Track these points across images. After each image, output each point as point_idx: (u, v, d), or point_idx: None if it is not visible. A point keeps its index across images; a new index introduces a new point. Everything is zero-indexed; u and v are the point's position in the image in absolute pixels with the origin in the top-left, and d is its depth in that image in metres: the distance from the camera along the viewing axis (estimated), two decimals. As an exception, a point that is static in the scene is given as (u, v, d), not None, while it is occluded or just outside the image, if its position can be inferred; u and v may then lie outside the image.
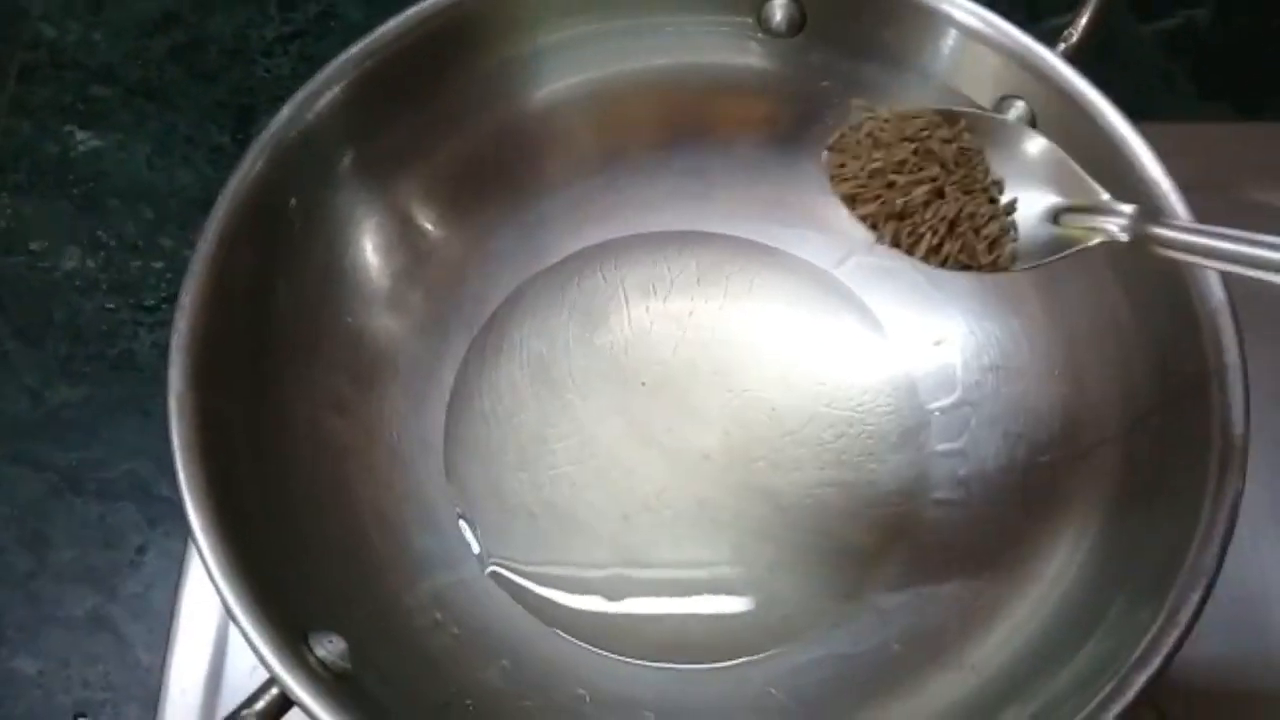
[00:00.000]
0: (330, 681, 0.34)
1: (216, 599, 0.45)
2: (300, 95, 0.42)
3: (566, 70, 0.48)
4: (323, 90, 0.42)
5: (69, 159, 0.62)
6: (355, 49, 0.43)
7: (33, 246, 0.59)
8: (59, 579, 0.52)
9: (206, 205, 0.59)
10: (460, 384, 0.48)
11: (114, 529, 0.53)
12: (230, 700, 0.45)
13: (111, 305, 0.58)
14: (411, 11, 0.43)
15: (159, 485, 0.54)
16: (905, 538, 0.45)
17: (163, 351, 0.55)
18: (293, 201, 0.42)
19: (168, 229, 0.60)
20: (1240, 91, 0.61)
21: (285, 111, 0.42)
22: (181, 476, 0.35)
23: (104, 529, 0.53)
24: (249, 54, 0.65)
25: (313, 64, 0.63)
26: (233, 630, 0.46)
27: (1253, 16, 0.63)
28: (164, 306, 0.58)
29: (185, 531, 0.50)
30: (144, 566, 0.52)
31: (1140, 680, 0.35)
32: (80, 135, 0.62)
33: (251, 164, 0.41)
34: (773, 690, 0.43)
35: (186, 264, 0.57)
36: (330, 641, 0.36)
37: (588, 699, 0.42)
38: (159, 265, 0.59)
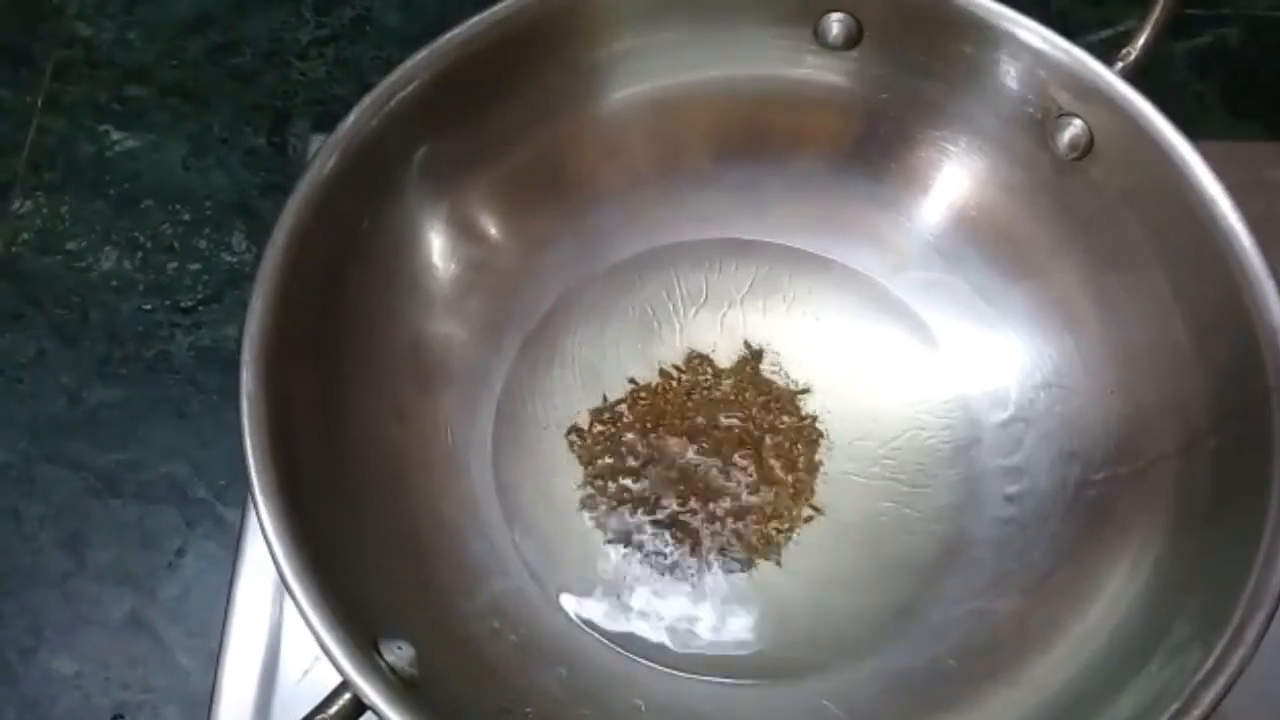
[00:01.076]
0: (400, 687, 0.34)
1: (268, 602, 0.46)
2: (372, 95, 0.42)
3: (627, 80, 0.48)
4: (395, 91, 0.42)
5: (104, 158, 0.61)
6: (427, 51, 0.43)
7: (69, 246, 0.59)
8: (97, 580, 0.51)
9: (242, 208, 0.60)
10: (511, 390, 0.48)
11: (152, 531, 0.53)
12: (284, 704, 0.45)
13: (148, 306, 0.57)
14: (485, 14, 0.43)
15: (196, 487, 0.53)
16: (959, 553, 0.45)
17: (200, 354, 0.56)
18: (361, 200, 0.42)
19: (204, 231, 0.59)
20: (1271, 111, 0.61)
21: (355, 112, 0.41)
22: (254, 479, 0.35)
23: (142, 530, 0.53)
24: (284, 57, 0.64)
25: (347, 68, 0.64)
26: (285, 634, 0.46)
27: None
28: (200, 309, 0.57)
29: (227, 536, 0.51)
30: (183, 569, 0.52)
31: (1207, 698, 0.35)
32: (116, 135, 0.62)
33: (323, 164, 0.40)
34: (828, 704, 0.42)
35: (223, 267, 0.58)
36: (400, 648, 0.36)
37: (644, 709, 0.42)
38: (195, 267, 0.58)
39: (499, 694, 0.40)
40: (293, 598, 0.34)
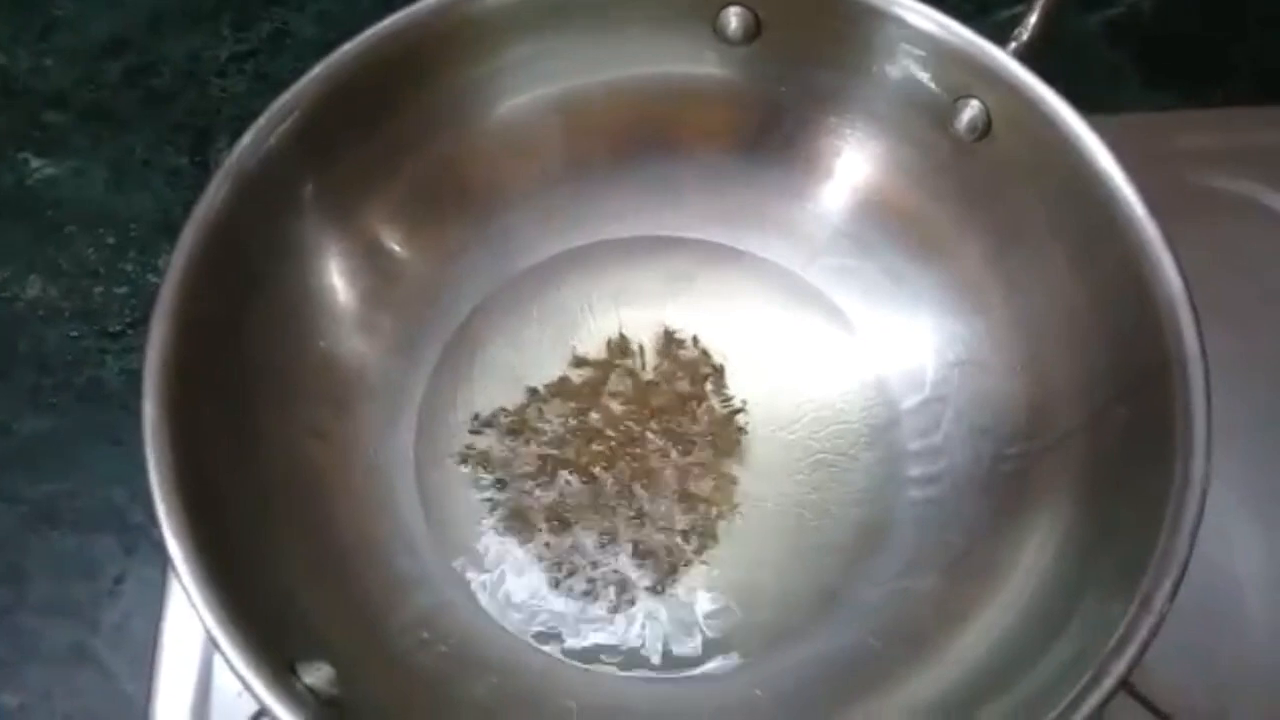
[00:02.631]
0: (319, 708, 0.34)
1: (199, 625, 0.46)
2: (260, 122, 0.42)
3: (529, 84, 0.48)
4: (283, 116, 0.42)
5: (25, 186, 0.61)
6: (313, 73, 0.43)
7: (-7, 278, 0.59)
8: (38, 612, 0.52)
9: (167, 229, 0.60)
10: (432, 400, 0.48)
11: (91, 559, 0.53)
12: (220, 725, 0.45)
13: (76, 333, 0.57)
14: (369, 33, 0.43)
15: (134, 513, 0.53)
16: (880, 534, 0.46)
17: (131, 378, 0.56)
18: (258, 228, 0.42)
19: (129, 254, 0.59)
20: (1185, 79, 0.62)
21: (246, 139, 0.42)
22: (160, 507, 0.36)
23: (81, 560, 0.53)
24: (203, 75, 0.64)
25: (268, 82, 0.64)
26: (218, 656, 0.46)
27: (1193, 3, 0.64)
28: (129, 332, 0.57)
29: (164, 560, 0.51)
30: (123, 596, 0.52)
31: (1118, 668, 0.35)
32: (35, 162, 0.62)
33: (215, 192, 0.41)
34: (758, 691, 0.43)
35: (150, 289, 0.58)
36: (318, 668, 0.36)
37: (575, 709, 0.42)
38: (122, 291, 0.58)
39: (428, 708, 0.40)
40: (202, 623, 0.34)
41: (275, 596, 0.38)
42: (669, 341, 0.50)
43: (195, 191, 0.59)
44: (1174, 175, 0.50)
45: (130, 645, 0.51)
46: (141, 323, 0.57)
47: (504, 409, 0.49)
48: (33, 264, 0.59)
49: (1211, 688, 0.47)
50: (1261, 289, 0.53)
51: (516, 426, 0.49)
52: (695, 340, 0.50)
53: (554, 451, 0.48)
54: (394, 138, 0.46)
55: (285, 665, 0.35)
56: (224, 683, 0.46)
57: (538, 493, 0.47)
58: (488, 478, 0.48)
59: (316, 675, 0.36)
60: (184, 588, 0.34)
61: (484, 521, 0.47)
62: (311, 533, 0.42)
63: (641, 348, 0.50)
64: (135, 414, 0.54)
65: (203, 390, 0.39)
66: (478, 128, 0.48)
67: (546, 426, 0.49)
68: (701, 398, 0.49)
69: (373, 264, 0.48)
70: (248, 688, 0.33)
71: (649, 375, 0.50)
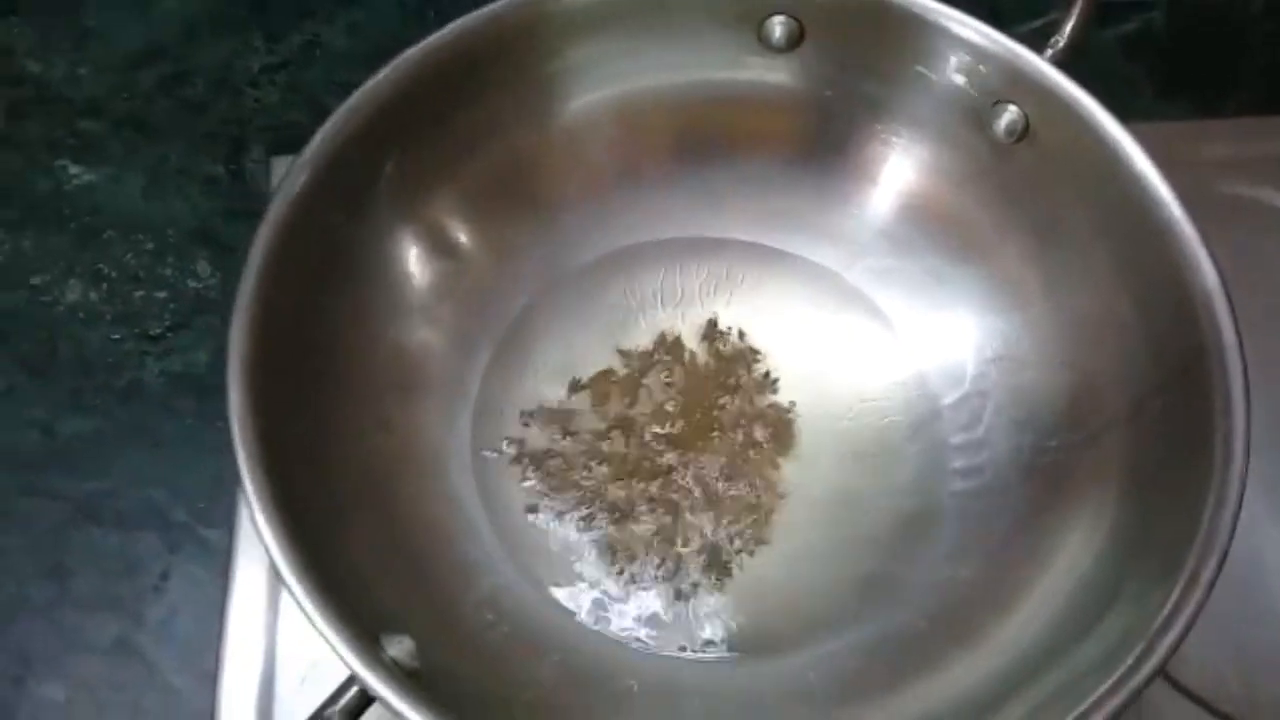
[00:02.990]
0: (404, 679, 0.35)
1: (261, 616, 0.47)
2: (338, 113, 0.43)
3: (582, 89, 0.50)
4: (360, 108, 0.43)
5: (63, 192, 0.62)
6: (388, 69, 0.44)
7: (34, 281, 0.59)
8: (83, 607, 0.52)
9: (204, 236, 0.61)
10: (486, 396, 0.50)
11: (134, 556, 0.53)
12: (283, 713, 0.46)
13: (117, 336, 0.58)
14: (443, 31, 0.45)
15: (176, 511, 0.54)
16: (924, 525, 0.47)
17: (170, 380, 0.57)
18: (335, 216, 0.43)
19: (167, 259, 0.60)
20: (1197, 91, 0.64)
21: (327, 126, 0.43)
22: (252, 495, 0.36)
23: (124, 557, 0.53)
24: (236, 84, 0.65)
25: (300, 93, 0.65)
26: (280, 646, 0.47)
27: (1204, 16, 0.66)
28: (169, 335, 0.58)
29: (212, 559, 0.52)
30: (168, 592, 0.52)
31: (1165, 644, 0.36)
32: (73, 169, 0.62)
33: (294, 182, 0.42)
34: (810, 675, 0.44)
35: (189, 294, 0.59)
36: (400, 641, 0.37)
37: (636, 689, 0.43)
38: (162, 295, 0.59)
39: (498, 683, 0.41)
40: (296, 601, 0.35)
41: (354, 576, 0.39)
42: (715, 337, 0.52)
43: (230, 199, 0.62)
44: (1190, 182, 0.52)
45: (176, 640, 0.51)
46: (182, 326, 0.58)
47: (554, 403, 0.50)
48: (72, 268, 0.60)
49: (1244, 675, 0.48)
50: (1276, 292, 0.55)
51: (565, 419, 0.50)
52: (741, 334, 0.52)
53: (602, 444, 0.49)
54: (465, 131, 0.47)
55: (371, 636, 0.36)
56: (286, 674, 0.47)
57: (587, 484, 0.48)
58: (538, 469, 0.49)
59: (399, 648, 0.36)
60: (275, 563, 0.35)
61: (538, 511, 0.48)
62: (380, 519, 0.43)
63: (686, 344, 0.52)
64: (176, 415, 0.56)
65: (281, 379, 0.40)
66: (542, 126, 0.50)
67: (595, 419, 0.50)
68: (749, 392, 0.50)
69: (440, 254, 0.49)
70: (339, 655, 0.34)
71: (696, 369, 0.51)
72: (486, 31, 0.45)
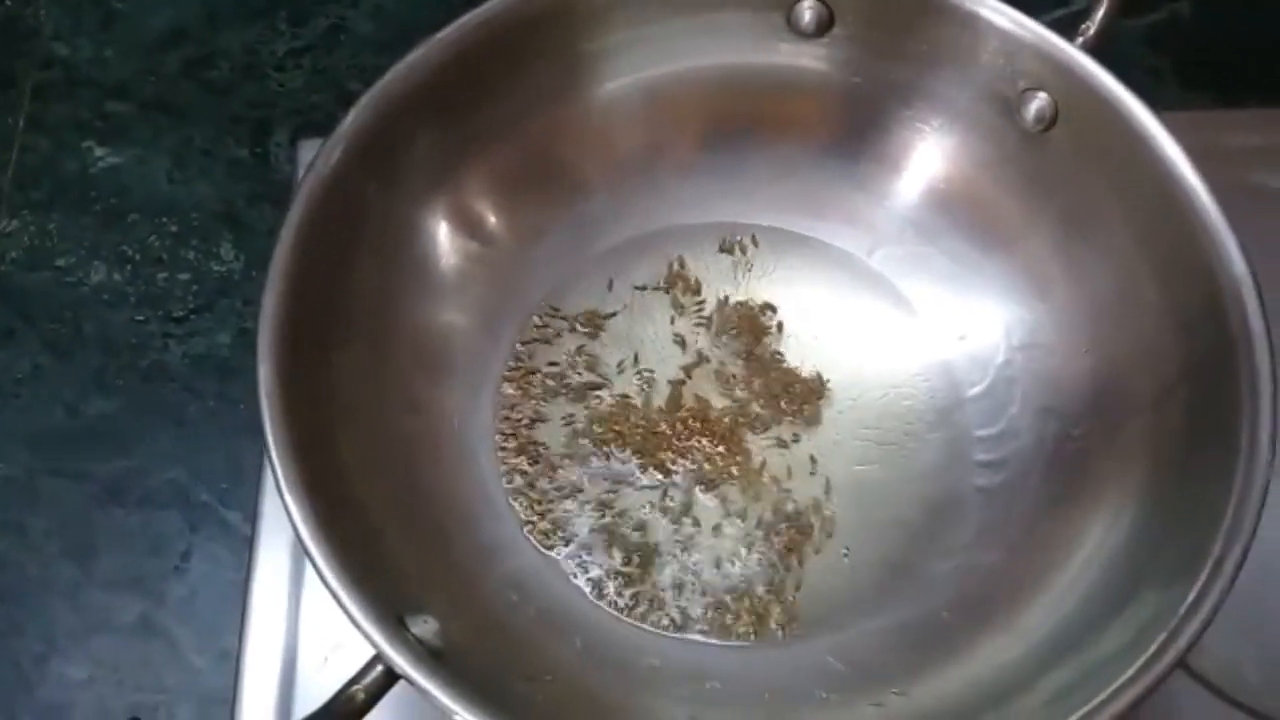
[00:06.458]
0: (428, 658, 0.35)
1: (283, 596, 0.47)
2: (372, 91, 0.43)
3: (613, 72, 0.50)
4: (394, 86, 0.44)
5: (89, 175, 0.62)
6: (423, 48, 0.44)
7: (59, 262, 0.60)
8: (106, 587, 0.52)
9: (229, 218, 0.61)
10: (510, 378, 0.50)
11: (156, 536, 0.54)
12: (305, 693, 0.46)
13: (141, 318, 0.58)
14: (476, 12, 0.45)
15: (198, 492, 0.54)
16: (947, 511, 0.47)
17: (194, 362, 0.57)
18: (368, 191, 0.44)
19: (191, 242, 0.60)
20: (1221, 83, 0.64)
21: (363, 101, 0.43)
22: (280, 472, 0.37)
23: (147, 537, 0.54)
24: (260, 68, 0.66)
25: (325, 76, 0.65)
26: (302, 626, 0.47)
27: (1230, 6, 0.66)
28: (192, 317, 0.58)
29: (233, 539, 0.52)
30: (189, 572, 0.53)
31: (1188, 633, 0.36)
32: (99, 151, 0.63)
33: (327, 159, 0.42)
34: (831, 659, 0.44)
35: (213, 277, 0.59)
36: (425, 621, 0.37)
37: (659, 666, 0.43)
38: (185, 277, 0.59)
39: (521, 663, 0.41)
40: (322, 579, 0.35)
41: (380, 557, 0.39)
42: (740, 316, 0.52)
43: (254, 182, 0.62)
44: (1214, 172, 0.52)
45: (198, 619, 0.52)
46: (205, 309, 0.59)
47: (575, 384, 0.50)
48: (97, 250, 0.60)
49: (1262, 665, 0.48)
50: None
51: (582, 398, 0.50)
52: (766, 318, 0.52)
53: (617, 428, 0.49)
54: (491, 115, 0.47)
55: (396, 616, 0.36)
56: (308, 654, 0.47)
57: (607, 471, 0.49)
58: (560, 452, 0.49)
59: (423, 628, 0.37)
60: (302, 542, 0.35)
61: (561, 496, 0.48)
62: (406, 500, 0.43)
63: (712, 328, 0.52)
64: (199, 396, 0.57)
65: (310, 357, 0.40)
66: (566, 112, 0.50)
67: (612, 405, 0.50)
68: (775, 375, 0.50)
69: (466, 236, 0.49)
70: (364, 634, 0.34)
71: (720, 350, 0.51)
72: (520, 12, 0.45)
